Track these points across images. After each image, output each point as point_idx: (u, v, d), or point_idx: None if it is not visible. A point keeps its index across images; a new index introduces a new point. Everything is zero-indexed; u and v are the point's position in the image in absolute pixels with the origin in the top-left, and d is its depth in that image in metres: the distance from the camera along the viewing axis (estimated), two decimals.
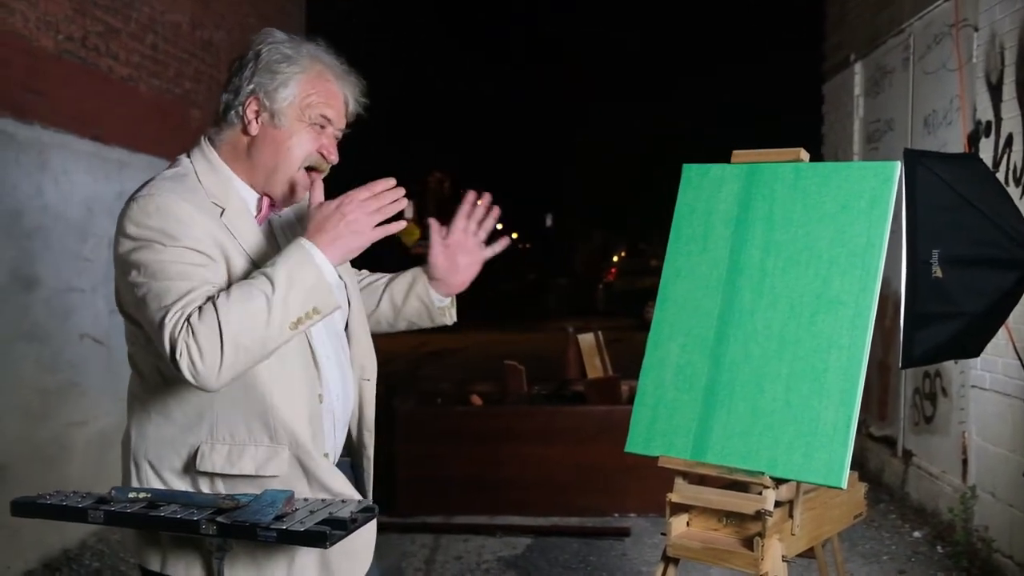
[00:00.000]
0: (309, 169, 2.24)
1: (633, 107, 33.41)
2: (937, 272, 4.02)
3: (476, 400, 6.49)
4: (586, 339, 6.75)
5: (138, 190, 2.13)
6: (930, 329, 4.07)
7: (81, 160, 5.27)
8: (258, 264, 2.12)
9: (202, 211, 2.10)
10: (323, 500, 2.23)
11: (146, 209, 2.06)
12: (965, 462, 5.38)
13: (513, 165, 42.73)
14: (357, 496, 2.25)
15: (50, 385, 4.93)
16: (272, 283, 1.98)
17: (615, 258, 26.46)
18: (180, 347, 1.94)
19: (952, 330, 4.09)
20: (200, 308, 1.96)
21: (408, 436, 6.11)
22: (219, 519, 2.08)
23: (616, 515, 6.02)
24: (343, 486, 2.23)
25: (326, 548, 2.01)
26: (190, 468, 2.21)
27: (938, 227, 4.02)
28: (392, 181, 2.15)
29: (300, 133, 2.19)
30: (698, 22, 31.58)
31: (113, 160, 5.57)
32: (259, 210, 2.24)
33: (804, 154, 2.83)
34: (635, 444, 2.85)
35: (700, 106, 29.85)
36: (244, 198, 2.21)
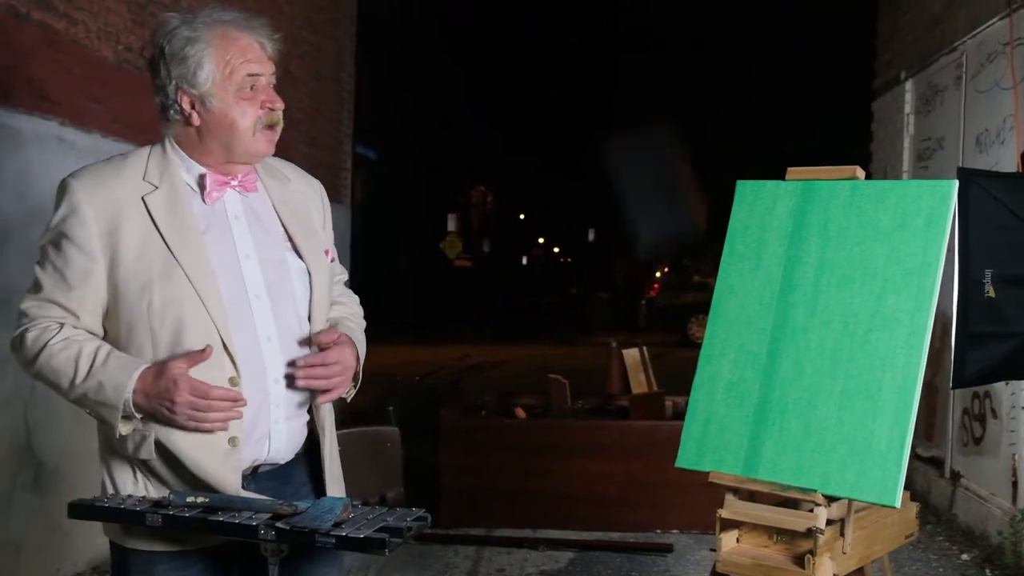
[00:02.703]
0: (268, 128, 2.27)
1: (679, 123, 33.38)
2: (990, 292, 3.99)
3: (520, 413, 6.50)
4: (631, 354, 6.73)
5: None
6: (982, 349, 4.04)
7: None
8: (168, 242, 2.18)
9: (119, 189, 2.20)
10: (377, 508, 2.26)
11: (58, 190, 2.24)
12: (1015, 484, 5.31)
13: (556, 179, 42.78)
14: (236, 486, 2.26)
15: None
16: (75, 375, 2.17)
17: (658, 273, 26.30)
18: (16, 335, 2.25)
19: (1005, 350, 4.05)
20: (38, 332, 2.22)
21: (451, 447, 6.12)
22: (278, 524, 2.11)
23: (659, 531, 6.00)
24: (218, 473, 2.24)
25: (384, 555, 2.05)
26: (114, 454, 2.31)
27: (991, 246, 3.99)
28: (235, 398, 2.17)
29: (236, 105, 2.22)
30: (747, 41, 31.54)
31: None
32: (204, 188, 2.26)
33: (860, 171, 2.83)
34: (686, 459, 2.86)
35: (749, 124, 29.77)
36: (184, 180, 2.26)
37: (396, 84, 24.11)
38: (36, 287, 2.24)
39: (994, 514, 5.58)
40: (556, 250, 54.18)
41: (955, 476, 6.30)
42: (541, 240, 52.94)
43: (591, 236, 47.75)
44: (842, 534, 2.74)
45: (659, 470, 5.92)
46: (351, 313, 2.56)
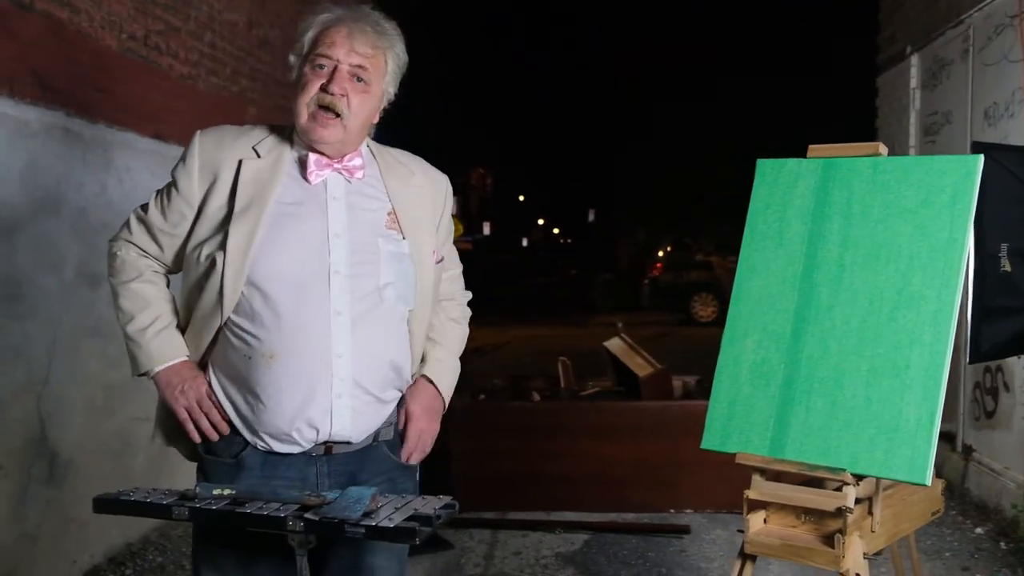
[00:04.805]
0: (325, 109, 2.36)
1: (679, 103, 33.29)
2: (1006, 266, 3.97)
3: (536, 396, 6.49)
4: (614, 344, 6.68)
5: None
6: (999, 324, 4.02)
7: (142, 158, 5.32)
8: (234, 208, 2.35)
9: (228, 150, 2.40)
10: (403, 496, 2.25)
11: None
12: None
13: (555, 160, 42.69)
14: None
15: (114, 381, 4.97)
16: (131, 323, 2.45)
17: (660, 252, 26.25)
18: (110, 250, 2.53)
19: (1021, 324, 4.03)
20: (127, 259, 2.49)
21: (463, 431, 6.10)
22: (307, 515, 2.10)
23: (672, 511, 5.99)
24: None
25: (415, 544, 2.04)
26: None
27: (1007, 220, 3.97)
28: (222, 429, 2.43)
29: (303, 80, 2.37)
30: (749, 21, 31.43)
31: (172, 158, 5.53)
32: (306, 166, 2.40)
33: (883, 148, 2.80)
34: (711, 441, 2.84)
35: (747, 104, 29.70)
36: (292, 158, 2.43)
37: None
38: (144, 208, 2.51)
39: (1008, 487, 5.57)
40: (556, 231, 54.10)
41: (967, 450, 6.29)
42: (541, 221, 52.87)
43: (591, 216, 47.68)
44: (870, 513, 2.73)
45: (671, 450, 5.91)
46: (449, 340, 2.67)
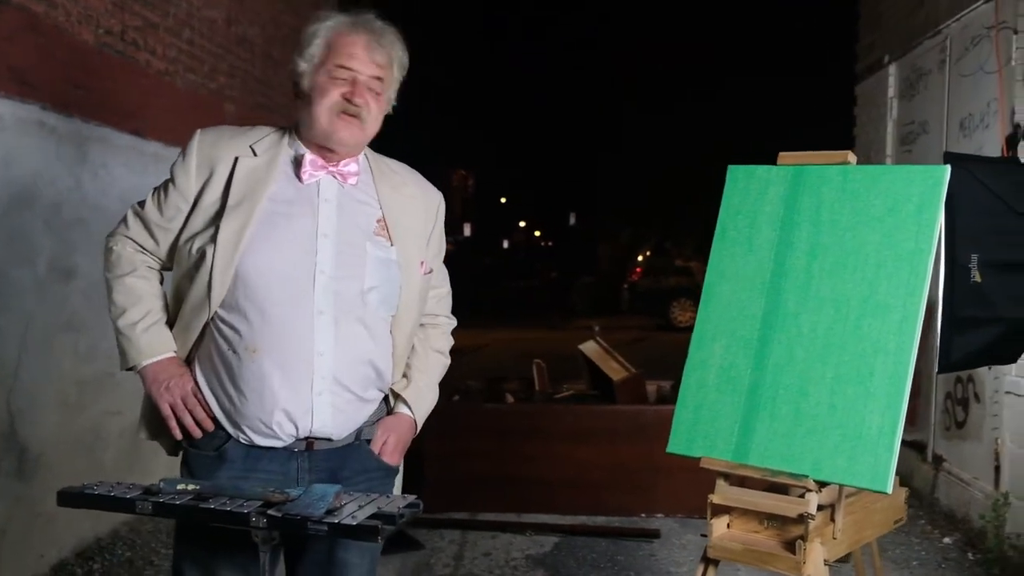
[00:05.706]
0: (347, 114, 2.43)
1: (660, 108, 33.34)
2: (976, 277, 4.00)
3: (509, 398, 6.49)
4: (589, 347, 6.70)
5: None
6: (968, 334, 4.06)
7: (119, 154, 5.30)
8: (227, 203, 2.40)
9: (226, 149, 2.46)
10: (368, 495, 2.26)
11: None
12: (998, 469, 5.34)
13: (539, 163, 42.71)
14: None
15: (87, 375, 4.96)
16: (122, 316, 2.50)
17: (640, 257, 26.34)
18: (107, 245, 2.57)
19: (991, 335, 4.07)
20: (121, 257, 2.53)
21: (436, 432, 6.08)
22: (270, 512, 2.10)
23: (643, 515, 6.01)
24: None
25: (377, 543, 2.06)
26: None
27: (978, 231, 4.00)
28: (206, 426, 2.46)
29: (322, 87, 2.41)
30: (732, 26, 31.49)
31: (150, 154, 5.59)
32: (300, 166, 2.45)
33: (852, 156, 2.83)
34: (677, 445, 2.85)
35: (728, 109, 29.75)
36: (287, 158, 2.48)
37: None
38: (141, 205, 2.54)
39: (976, 498, 5.61)
40: (537, 233, 54.17)
41: (937, 460, 6.33)
42: (522, 224, 52.92)
43: (572, 220, 47.78)
44: (832, 519, 2.75)
45: (644, 454, 5.92)
46: (431, 369, 2.70)
